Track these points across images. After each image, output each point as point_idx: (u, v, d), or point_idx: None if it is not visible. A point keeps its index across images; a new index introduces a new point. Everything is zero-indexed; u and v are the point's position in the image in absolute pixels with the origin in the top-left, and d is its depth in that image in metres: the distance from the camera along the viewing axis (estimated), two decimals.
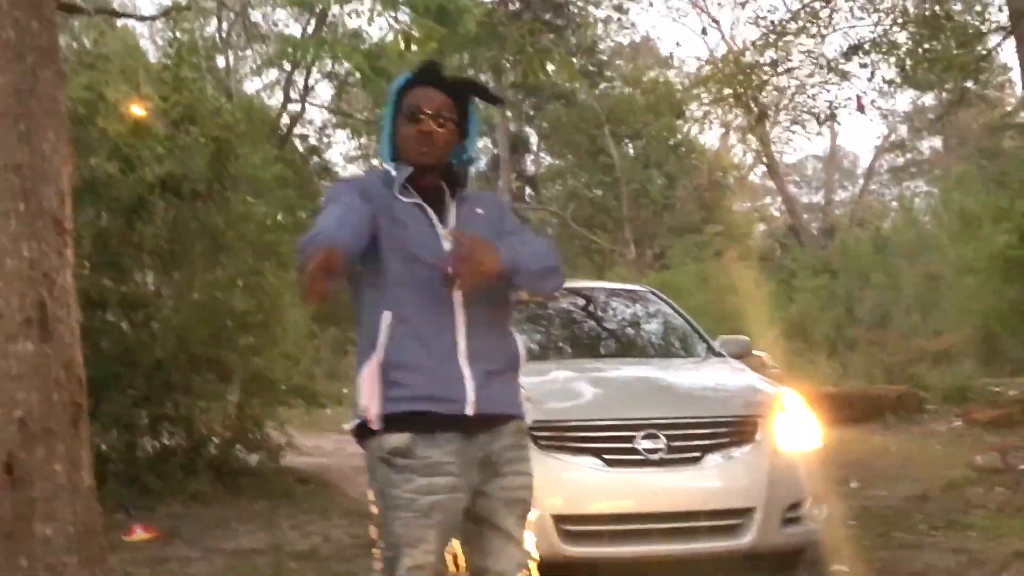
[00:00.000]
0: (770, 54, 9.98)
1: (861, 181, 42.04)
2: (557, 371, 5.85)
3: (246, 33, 27.31)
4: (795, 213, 38.50)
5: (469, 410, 2.77)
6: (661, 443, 4.97)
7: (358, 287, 2.90)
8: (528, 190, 34.38)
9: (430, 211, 2.89)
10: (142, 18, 24.47)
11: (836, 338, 21.17)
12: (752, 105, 10.27)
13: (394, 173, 2.93)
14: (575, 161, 32.56)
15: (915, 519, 7.02)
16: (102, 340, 8.44)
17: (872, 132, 63.97)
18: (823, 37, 9.90)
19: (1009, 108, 34.00)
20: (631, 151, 31.40)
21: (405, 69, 3.52)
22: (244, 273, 9.58)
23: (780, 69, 10.04)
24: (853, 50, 9.95)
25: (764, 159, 36.40)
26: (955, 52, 10.79)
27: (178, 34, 12.00)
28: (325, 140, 30.56)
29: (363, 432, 2.83)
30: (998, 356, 17.52)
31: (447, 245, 2.82)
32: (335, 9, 24.70)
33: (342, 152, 35.68)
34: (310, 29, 25.94)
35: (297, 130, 28.58)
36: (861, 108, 9.83)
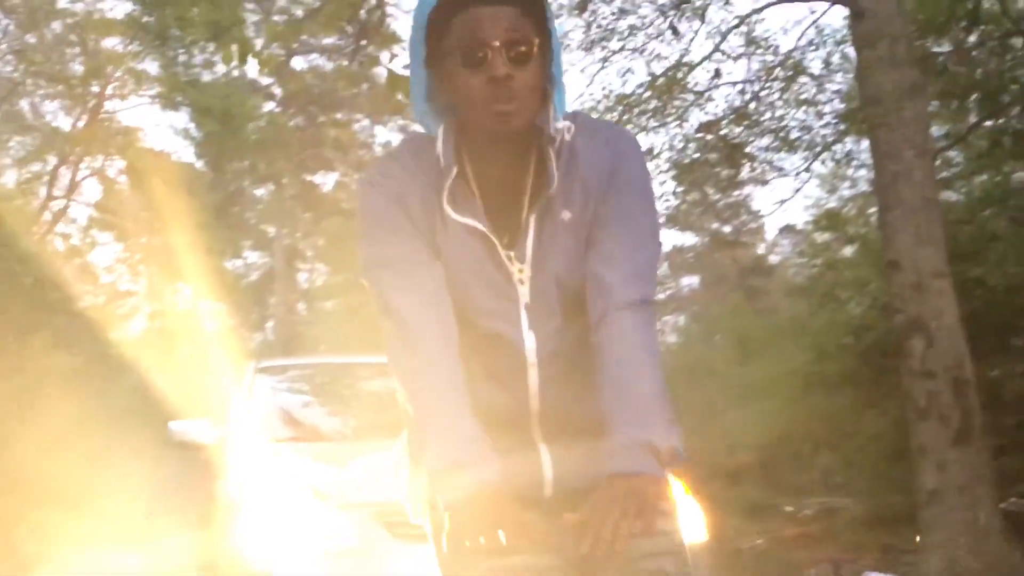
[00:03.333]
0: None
1: None
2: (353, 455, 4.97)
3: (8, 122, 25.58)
4: None
5: (547, 491, 1.95)
6: None
7: None
8: (301, 305, 33.32)
9: (494, 239, 1.90)
10: None
11: None
12: None
13: (441, 157, 1.86)
14: (354, 278, 31.79)
15: None
16: None
17: None
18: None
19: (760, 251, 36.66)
20: None
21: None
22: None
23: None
24: (707, 126, 9.94)
25: None
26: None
27: None
28: (88, 241, 28.63)
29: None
30: (777, 478, 17.82)
31: (524, 292, 1.92)
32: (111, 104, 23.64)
33: (106, 256, 33.62)
34: (80, 123, 24.55)
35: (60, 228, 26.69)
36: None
